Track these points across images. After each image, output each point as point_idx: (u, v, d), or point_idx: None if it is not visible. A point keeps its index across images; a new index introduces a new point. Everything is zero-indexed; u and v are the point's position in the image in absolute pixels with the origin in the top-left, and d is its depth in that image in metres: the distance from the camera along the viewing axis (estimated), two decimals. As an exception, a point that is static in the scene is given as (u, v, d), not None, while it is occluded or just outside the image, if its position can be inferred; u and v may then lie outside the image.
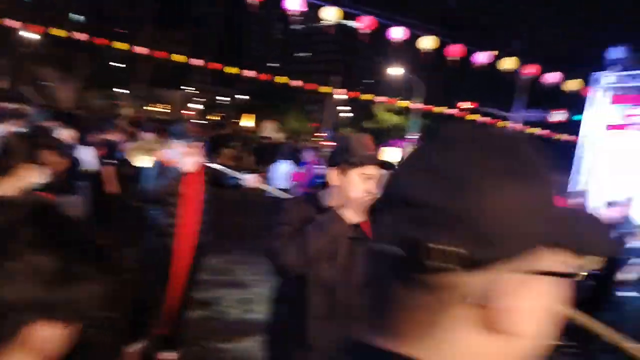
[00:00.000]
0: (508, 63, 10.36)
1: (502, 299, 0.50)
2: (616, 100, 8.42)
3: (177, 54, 18.46)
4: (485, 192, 0.49)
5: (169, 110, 46.05)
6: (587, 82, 9.15)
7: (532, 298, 0.52)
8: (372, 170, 1.98)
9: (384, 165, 2.01)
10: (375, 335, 0.56)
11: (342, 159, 2.01)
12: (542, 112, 22.65)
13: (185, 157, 3.46)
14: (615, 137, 8.28)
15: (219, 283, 5.64)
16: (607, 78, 8.62)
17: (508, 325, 0.51)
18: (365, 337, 0.56)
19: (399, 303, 0.54)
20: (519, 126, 22.84)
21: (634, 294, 5.35)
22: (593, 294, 5.26)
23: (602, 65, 8.89)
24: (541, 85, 12.12)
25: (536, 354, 0.56)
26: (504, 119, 23.72)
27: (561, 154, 9.66)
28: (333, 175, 2.04)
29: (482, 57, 10.27)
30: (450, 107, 23.52)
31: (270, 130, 43.72)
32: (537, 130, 23.11)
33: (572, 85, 11.04)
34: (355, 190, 1.97)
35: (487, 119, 23.47)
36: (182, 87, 48.28)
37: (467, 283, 0.50)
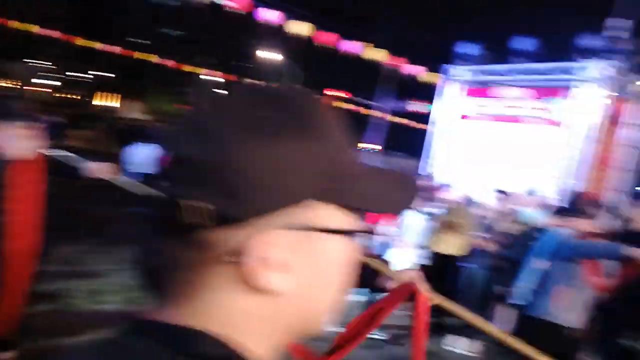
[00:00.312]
0: (375, 54, 10.80)
1: (256, 255, 0.48)
2: (469, 92, 9.18)
3: (26, 21, 16.60)
4: (236, 144, 0.48)
5: (17, 86, 41.47)
6: (440, 74, 9.85)
7: (302, 255, 0.51)
8: None
9: None
10: (154, 309, 0.52)
11: None
12: (406, 103, 24.06)
13: (16, 141, 2.95)
14: (467, 126, 9.04)
15: (67, 274, 5.24)
16: (461, 72, 9.36)
17: (265, 282, 0.49)
18: (144, 313, 0.52)
19: (167, 267, 0.51)
20: (385, 115, 24.06)
21: (474, 265, 5.93)
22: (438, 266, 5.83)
23: (456, 59, 9.62)
24: (404, 76, 12.87)
25: (321, 313, 0.55)
26: (372, 108, 24.86)
27: (423, 143, 10.39)
28: None
29: (351, 47, 10.59)
30: (321, 95, 24.08)
31: (136, 111, 41.42)
32: (401, 120, 24.57)
33: (430, 77, 11.84)
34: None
35: (359, 108, 24.44)
36: (31, 60, 43.59)
37: (223, 240, 0.48)
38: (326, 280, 0.54)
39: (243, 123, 0.49)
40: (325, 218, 0.51)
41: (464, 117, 9.05)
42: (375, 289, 1.75)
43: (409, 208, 0.66)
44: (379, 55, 10.78)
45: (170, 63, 21.16)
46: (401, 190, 0.59)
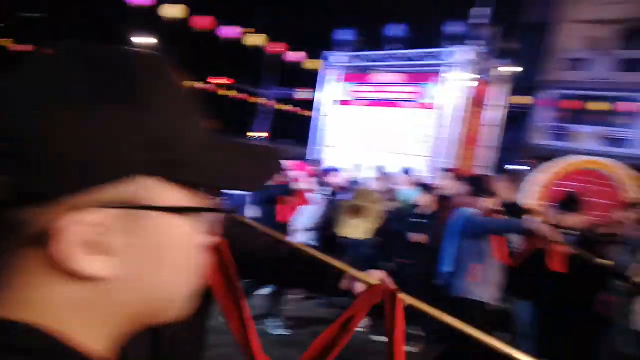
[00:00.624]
0: (255, 39, 10.60)
1: (70, 237, 0.43)
2: (347, 78, 9.36)
3: None
4: (42, 112, 0.42)
5: None
6: (319, 60, 9.94)
7: (128, 236, 0.46)
8: None
9: None
10: None
11: None
12: (290, 90, 24.14)
13: None
14: (346, 112, 9.23)
15: None
16: (339, 58, 9.51)
17: (82, 268, 0.44)
18: None
19: None
20: (271, 103, 23.95)
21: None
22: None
23: (335, 46, 9.75)
24: (287, 63, 12.84)
25: (166, 299, 0.50)
26: (257, 95, 24.62)
27: (302, 128, 10.44)
28: None
29: (230, 32, 10.30)
30: (203, 82, 23.31)
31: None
32: (287, 107, 24.63)
33: (312, 64, 11.92)
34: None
35: (243, 95, 24.05)
36: None
37: (30, 220, 0.43)
38: (163, 263, 0.49)
39: (52, 88, 0.43)
40: (155, 195, 0.46)
41: (343, 102, 9.23)
42: (336, 292, 1.59)
43: (265, 184, 0.57)
44: (259, 40, 10.60)
45: (29, 48, 19.25)
46: (255, 166, 0.55)
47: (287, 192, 5.26)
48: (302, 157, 8.77)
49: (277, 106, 24.92)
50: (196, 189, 0.49)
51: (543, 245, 4.11)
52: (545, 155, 16.11)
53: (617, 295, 3.96)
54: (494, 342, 1.23)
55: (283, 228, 5.34)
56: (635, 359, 3.92)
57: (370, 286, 1.44)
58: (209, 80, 23.50)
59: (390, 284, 1.44)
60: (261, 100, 24.69)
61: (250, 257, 1.53)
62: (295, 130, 23.61)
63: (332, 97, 9.45)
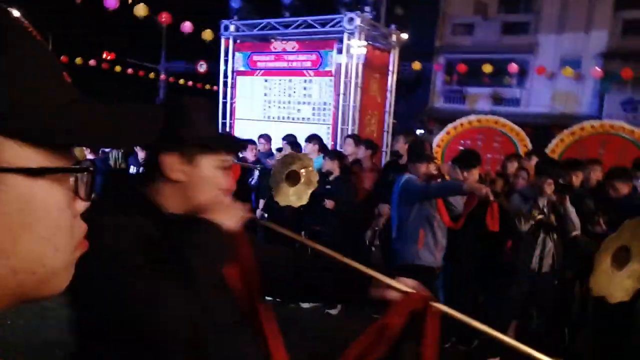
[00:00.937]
0: (140, 10, 9.99)
1: None
2: (246, 47, 9.13)
3: None
4: None
5: None
6: (218, 31, 9.61)
7: None
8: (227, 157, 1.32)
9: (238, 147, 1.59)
10: None
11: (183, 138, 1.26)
12: (187, 63, 23.25)
13: None
14: (247, 82, 9.03)
15: None
16: (236, 27, 9.25)
17: None
18: None
19: None
20: (164, 77, 22.94)
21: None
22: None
23: (231, 14, 9.45)
24: (183, 35, 12.28)
25: (30, 271, 0.47)
26: (152, 70, 23.50)
27: (212, 104, 10.10)
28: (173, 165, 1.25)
29: (110, 2, 9.61)
30: (94, 59, 21.78)
31: None
32: (184, 81, 23.72)
33: (207, 35, 11.49)
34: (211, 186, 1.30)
35: (140, 72, 22.80)
36: None
37: None
38: (26, 230, 0.45)
39: None
40: (8, 156, 0.43)
41: (245, 72, 9.03)
42: (365, 302, 1.46)
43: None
44: (143, 10, 10.01)
45: None
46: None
47: None
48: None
49: (181, 81, 23.95)
50: (56, 149, 0.46)
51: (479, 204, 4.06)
52: (443, 118, 16.89)
53: (519, 239, 4.22)
54: (518, 345, 1.23)
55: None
56: (532, 294, 4.26)
57: (405, 294, 1.38)
58: (104, 56, 22.04)
59: (424, 291, 1.40)
60: (162, 77, 23.62)
61: (272, 269, 1.43)
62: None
63: (232, 68, 9.22)
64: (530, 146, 8.09)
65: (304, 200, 5.26)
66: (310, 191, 5.24)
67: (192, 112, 1.27)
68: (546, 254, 4.12)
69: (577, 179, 4.56)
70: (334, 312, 5.62)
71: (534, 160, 5.50)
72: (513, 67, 17.67)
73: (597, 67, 17.73)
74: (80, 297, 1.04)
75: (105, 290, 1.03)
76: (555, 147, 8.21)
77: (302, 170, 5.25)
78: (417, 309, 1.36)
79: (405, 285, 1.40)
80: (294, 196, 5.25)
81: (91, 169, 0.50)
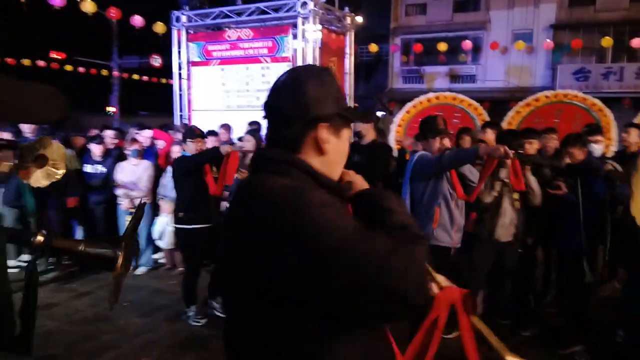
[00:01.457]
0: (87, 6, 9.65)
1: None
2: (199, 38, 8.96)
3: None
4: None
5: None
6: (170, 23, 9.39)
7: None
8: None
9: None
10: None
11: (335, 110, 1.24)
12: (141, 58, 22.68)
13: None
14: (202, 72, 8.88)
15: None
16: (187, 17, 9.06)
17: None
18: None
19: None
20: (117, 74, 22.34)
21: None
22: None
23: (183, 5, 9.25)
24: (134, 29, 11.95)
25: None
26: (104, 67, 22.83)
27: (167, 97, 9.93)
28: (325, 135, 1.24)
29: (56, 0, 9.26)
30: (43, 59, 20.97)
31: None
32: (138, 77, 23.17)
33: (159, 27, 11.22)
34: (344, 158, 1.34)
35: (86, 69, 22.10)
36: None
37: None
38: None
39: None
40: None
41: (199, 63, 8.87)
42: None
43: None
44: (90, 7, 9.68)
45: None
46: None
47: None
48: (169, 127, 8.34)
49: (136, 77, 23.34)
50: None
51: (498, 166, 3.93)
52: (403, 99, 17.03)
53: (483, 210, 4.28)
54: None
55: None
56: (499, 263, 4.36)
57: (444, 288, 1.42)
58: (50, 55, 21.25)
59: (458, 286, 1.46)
60: (115, 73, 22.97)
61: None
62: (154, 100, 22.42)
63: (187, 59, 9.04)
64: (488, 120, 8.25)
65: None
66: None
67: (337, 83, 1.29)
68: (509, 223, 4.20)
69: (531, 147, 4.66)
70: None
71: (489, 132, 5.58)
72: (467, 45, 17.92)
73: (548, 40, 18.15)
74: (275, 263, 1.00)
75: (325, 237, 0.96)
76: (511, 120, 8.39)
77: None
78: (455, 302, 1.42)
79: (442, 280, 1.45)
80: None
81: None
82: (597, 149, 4.85)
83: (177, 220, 5.02)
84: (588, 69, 19.22)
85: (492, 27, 21.28)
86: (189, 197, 4.94)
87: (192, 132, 5.14)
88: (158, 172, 6.69)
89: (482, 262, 4.34)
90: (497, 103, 16.65)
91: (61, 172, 4.41)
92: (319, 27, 7.96)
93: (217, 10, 8.73)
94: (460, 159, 3.74)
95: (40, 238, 1.79)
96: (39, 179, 4.04)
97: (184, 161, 4.96)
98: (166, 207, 6.50)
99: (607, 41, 15.12)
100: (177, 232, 5.37)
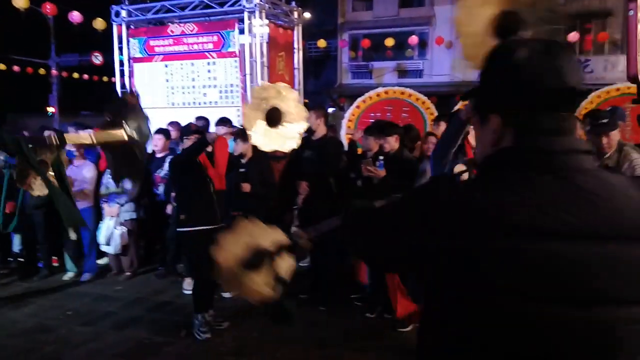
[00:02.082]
0: (18, 1, 9.10)
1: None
2: (142, 33, 8.63)
3: None
4: None
5: None
6: (110, 18, 9.00)
7: None
8: None
9: None
10: None
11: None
12: (80, 56, 21.80)
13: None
14: (146, 69, 8.56)
15: None
16: (129, 12, 8.72)
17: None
18: None
19: None
20: (56, 72, 21.38)
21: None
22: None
23: (119, -1, 8.89)
24: (72, 25, 11.41)
25: None
26: (41, 66, 21.78)
27: (110, 96, 9.51)
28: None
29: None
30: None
31: None
32: (77, 76, 22.22)
33: (99, 23, 10.75)
34: None
35: (21, 68, 21.02)
36: None
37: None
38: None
39: None
40: None
41: (143, 59, 8.55)
42: None
43: None
44: (22, 2, 9.15)
45: None
46: None
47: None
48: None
49: (75, 75, 22.37)
50: None
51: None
52: (352, 94, 17.08)
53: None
54: None
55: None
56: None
57: None
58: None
59: None
60: (54, 72, 21.96)
61: None
62: (96, 100, 21.55)
63: (128, 55, 8.70)
64: (436, 114, 8.35)
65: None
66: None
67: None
68: None
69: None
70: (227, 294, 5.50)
71: (443, 125, 5.63)
72: (413, 40, 18.16)
73: (490, 35, 18.59)
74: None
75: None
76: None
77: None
78: None
79: None
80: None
81: None
82: None
83: (180, 223, 4.79)
84: (529, 62, 19.90)
85: (437, 22, 21.66)
86: (189, 196, 4.73)
87: (189, 129, 4.99)
88: (100, 174, 6.42)
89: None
90: (444, 97, 16.96)
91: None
92: (266, 21, 7.81)
93: (158, 4, 8.43)
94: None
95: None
96: (39, 187, 3.75)
97: (177, 159, 4.83)
98: (110, 210, 6.24)
99: (546, 35, 15.62)
100: (180, 237, 5.12)
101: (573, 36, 15.72)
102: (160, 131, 6.41)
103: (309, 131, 5.62)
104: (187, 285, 5.78)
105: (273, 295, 1.48)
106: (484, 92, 1.16)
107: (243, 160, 5.65)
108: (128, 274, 6.48)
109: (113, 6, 8.76)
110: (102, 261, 6.87)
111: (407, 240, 1.05)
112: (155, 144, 6.36)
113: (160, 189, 6.37)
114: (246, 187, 5.49)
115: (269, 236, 1.52)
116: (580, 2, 19.24)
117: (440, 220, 0.99)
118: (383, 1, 22.53)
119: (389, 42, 17.55)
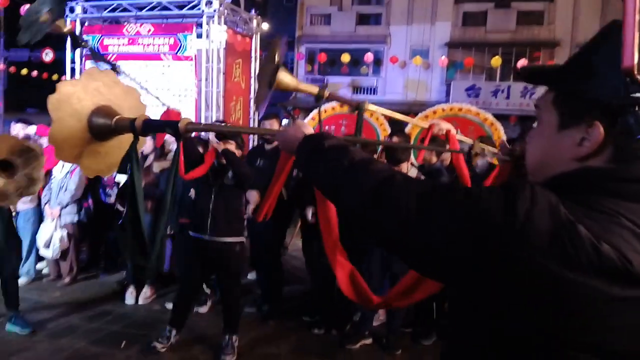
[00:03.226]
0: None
1: None
2: (96, 31, 8.37)
3: None
4: None
5: None
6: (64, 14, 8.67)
7: None
8: None
9: None
10: None
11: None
12: (31, 51, 20.90)
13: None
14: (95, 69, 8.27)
15: None
16: (83, 8, 8.45)
17: None
18: None
19: None
20: (3, 67, 20.43)
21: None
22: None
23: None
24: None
25: None
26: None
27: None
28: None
29: None
30: None
31: None
32: (26, 72, 21.27)
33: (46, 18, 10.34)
34: None
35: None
36: None
37: None
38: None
39: None
40: None
41: (86, 58, 8.28)
42: None
43: None
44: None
45: None
46: None
47: None
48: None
49: (24, 71, 21.36)
50: None
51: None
52: (307, 106, 17.14)
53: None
54: None
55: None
56: (388, 268, 4.43)
57: None
58: None
59: None
60: (1, 66, 20.90)
61: None
62: (44, 97, 20.60)
63: (81, 53, 8.41)
64: (389, 130, 8.49)
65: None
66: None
67: None
68: None
69: (431, 156, 4.86)
70: (202, 310, 5.39)
71: (396, 140, 5.72)
72: (369, 57, 18.46)
73: (443, 57, 19.20)
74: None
75: None
76: (411, 131, 8.69)
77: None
78: None
79: None
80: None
81: None
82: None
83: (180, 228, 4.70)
84: (479, 86, 20.57)
85: (392, 41, 22.14)
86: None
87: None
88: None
89: (374, 271, 4.44)
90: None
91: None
92: (225, 27, 7.74)
93: (114, 2, 8.20)
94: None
95: None
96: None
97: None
98: (51, 212, 5.95)
99: (496, 61, 16.26)
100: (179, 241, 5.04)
101: (522, 63, 16.41)
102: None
103: (264, 139, 5.58)
104: (130, 295, 5.58)
105: None
106: (590, 83, 0.85)
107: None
108: (67, 280, 6.18)
109: (68, 2, 8.46)
110: (40, 265, 6.52)
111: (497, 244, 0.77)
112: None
113: (111, 191, 6.12)
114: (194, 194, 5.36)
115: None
116: (531, 31, 20.15)
117: (559, 241, 0.76)
118: (341, 17, 22.83)
119: (345, 57, 17.78)
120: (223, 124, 5.64)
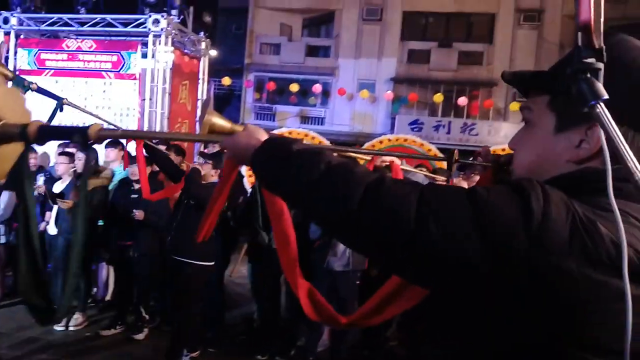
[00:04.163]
0: None
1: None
2: (33, 44, 8.01)
3: None
4: None
5: None
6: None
7: None
8: None
9: None
10: None
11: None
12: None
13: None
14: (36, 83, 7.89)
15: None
16: (19, 20, 8.10)
17: None
18: None
19: None
20: None
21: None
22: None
23: (14, 5, 8.25)
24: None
25: None
26: None
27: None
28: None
29: None
30: None
31: None
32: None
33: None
34: None
35: None
36: None
37: None
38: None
39: None
40: None
41: (32, 72, 7.89)
42: None
43: None
44: None
45: None
46: None
47: None
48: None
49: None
50: None
51: None
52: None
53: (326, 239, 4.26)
54: None
55: None
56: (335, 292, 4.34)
57: None
58: None
59: None
60: None
61: None
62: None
63: (15, 66, 7.99)
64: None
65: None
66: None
67: None
68: (340, 255, 4.26)
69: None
70: (139, 337, 5.08)
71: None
72: (317, 88, 18.70)
73: (388, 91, 19.70)
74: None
75: None
76: (358, 160, 8.77)
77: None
78: None
79: None
80: None
81: None
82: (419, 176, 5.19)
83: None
84: (422, 120, 21.15)
85: (340, 73, 22.52)
86: None
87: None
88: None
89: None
90: (342, 145, 17.46)
91: None
92: (172, 48, 7.59)
93: (54, 16, 7.90)
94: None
95: None
96: None
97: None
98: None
99: (438, 97, 16.86)
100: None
101: (462, 101, 17.07)
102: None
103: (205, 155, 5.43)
104: (73, 321, 5.21)
105: None
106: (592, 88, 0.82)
107: (136, 187, 5.26)
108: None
109: (2, 12, 8.08)
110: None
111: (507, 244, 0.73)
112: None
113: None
114: (140, 214, 5.06)
115: None
116: (471, 71, 21.04)
117: (579, 239, 0.72)
118: (290, 48, 23.06)
119: (294, 87, 17.92)
120: (152, 132, 5.52)
